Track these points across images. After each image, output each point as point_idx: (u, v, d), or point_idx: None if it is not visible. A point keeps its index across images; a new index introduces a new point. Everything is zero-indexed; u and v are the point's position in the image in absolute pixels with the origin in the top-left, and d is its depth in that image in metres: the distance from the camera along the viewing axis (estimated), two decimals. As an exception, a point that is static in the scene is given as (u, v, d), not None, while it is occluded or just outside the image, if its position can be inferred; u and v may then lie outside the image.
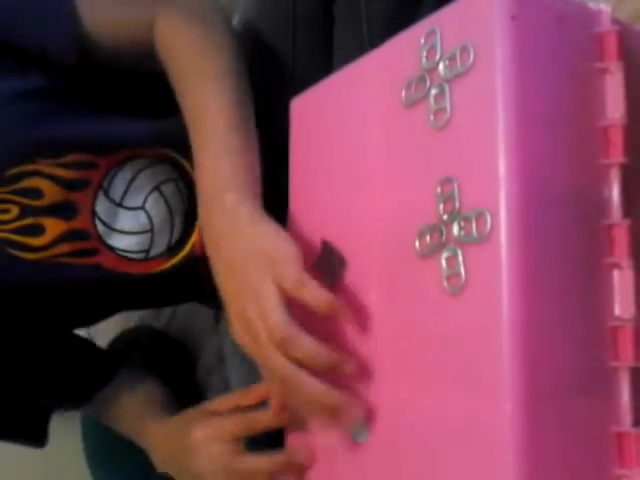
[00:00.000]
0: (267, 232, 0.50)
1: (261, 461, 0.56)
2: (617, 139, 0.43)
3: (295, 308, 0.48)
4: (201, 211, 0.55)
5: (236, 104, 0.57)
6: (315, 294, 0.46)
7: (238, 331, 0.49)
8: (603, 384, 0.41)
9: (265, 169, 0.56)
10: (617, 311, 0.42)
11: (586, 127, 0.43)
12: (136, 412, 0.70)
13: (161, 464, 0.65)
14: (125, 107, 0.69)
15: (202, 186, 0.55)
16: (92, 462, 0.96)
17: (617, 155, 0.42)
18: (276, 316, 0.46)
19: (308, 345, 0.46)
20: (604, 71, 0.44)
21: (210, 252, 0.53)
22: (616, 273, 0.42)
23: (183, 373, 0.94)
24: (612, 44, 0.44)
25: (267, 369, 0.48)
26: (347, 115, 0.53)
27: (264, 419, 0.57)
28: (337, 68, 0.55)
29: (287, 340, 0.45)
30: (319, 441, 0.54)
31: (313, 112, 0.58)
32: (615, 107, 0.43)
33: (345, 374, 0.48)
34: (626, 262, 0.41)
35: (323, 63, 0.69)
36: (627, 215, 0.42)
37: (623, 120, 0.43)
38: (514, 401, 0.37)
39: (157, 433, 0.66)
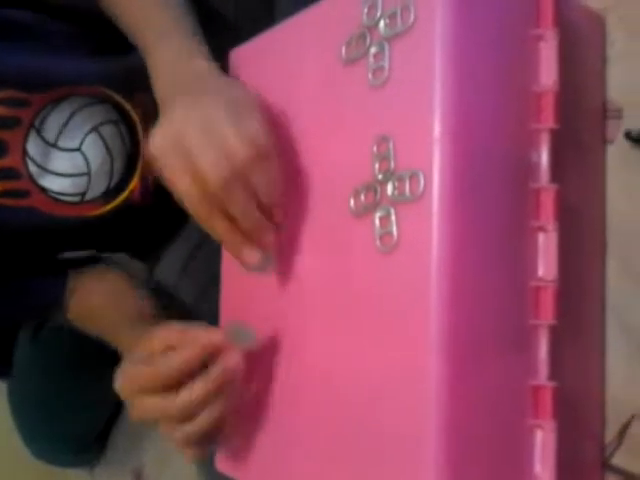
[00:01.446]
0: (236, 85, 0.51)
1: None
2: (549, 105, 0.43)
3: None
4: (163, 82, 0.54)
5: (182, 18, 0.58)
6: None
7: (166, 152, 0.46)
8: (524, 341, 0.42)
9: None
10: (540, 272, 0.43)
11: (520, 92, 0.44)
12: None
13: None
14: (63, 43, 0.66)
15: (164, 59, 0.55)
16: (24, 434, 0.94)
17: (548, 120, 0.43)
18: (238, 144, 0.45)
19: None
20: (539, 37, 0.44)
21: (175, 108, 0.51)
22: (541, 236, 0.43)
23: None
24: (548, 11, 0.44)
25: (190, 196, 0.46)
26: (285, 69, 0.52)
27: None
28: (279, 21, 0.54)
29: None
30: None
31: (252, 64, 0.56)
32: (548, 73, 0.44)
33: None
34: (551, 225, 0.43)
35: (265, 14, 0.68)
36: (555, 180, 0.43)
37: (555, 87, 0.44)
38: (439, 355, 0.39)
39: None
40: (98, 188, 0.67)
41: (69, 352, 0.89)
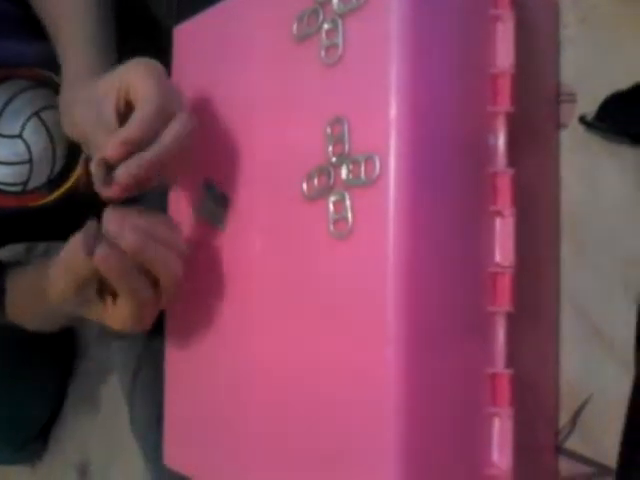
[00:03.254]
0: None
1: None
2: (505, 88, 0.43)
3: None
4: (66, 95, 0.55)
5: (96, 17, 0.58)
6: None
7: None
8: (481, 328, 0.42)
9: None
10: (497, 258, 0.42)
11: (477, 73, 0.43)
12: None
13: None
14: (1, 25, 0.62)
15: (68, 72, 0.57)
16: None
17: (504, 103, 0.43)
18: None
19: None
20: (496, 18, 0.43)
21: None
22: (498, 221, 0.43)
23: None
24: (505, -8, 0.43)
25: None
26: (233, 47, 0.50)
27: None
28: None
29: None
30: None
31: (198, 42, 0.54)
32: (505, 56, 0.43)
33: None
34: (508, 210, 0.42)
35: None
36: (512, 164, 0.43)
37: (512, 69, 0.43)
38: (395, 344, 0.38)
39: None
40: (40, 176, 0.64)
41: (8, 348, 0.86)
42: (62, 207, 0.65)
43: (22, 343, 0.85)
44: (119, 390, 0.79)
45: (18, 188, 0.63)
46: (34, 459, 1.02)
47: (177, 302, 0.55)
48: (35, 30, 0.63)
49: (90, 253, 0.44)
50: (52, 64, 0.62)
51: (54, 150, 0.64)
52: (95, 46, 0.57)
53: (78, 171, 0.65)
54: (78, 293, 0.47)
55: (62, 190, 0.65)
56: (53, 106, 0.63)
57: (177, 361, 0.56)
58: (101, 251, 0.44)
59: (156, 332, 0.60)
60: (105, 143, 0.45)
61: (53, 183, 0.64)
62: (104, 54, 0.57)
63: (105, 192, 0.46)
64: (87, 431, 0.93)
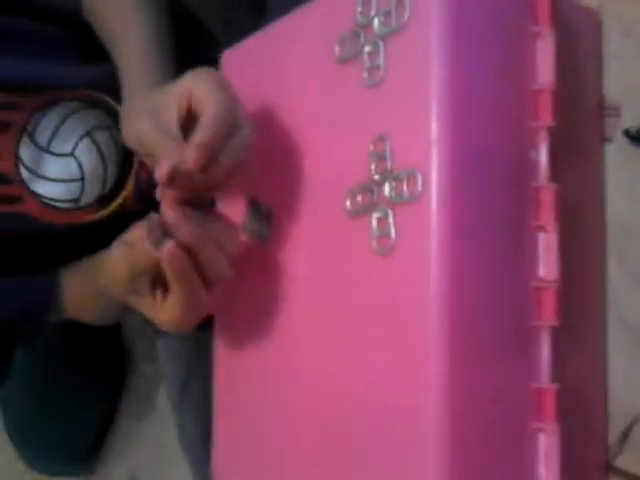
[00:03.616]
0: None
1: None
2: (546, 103, 0.43)
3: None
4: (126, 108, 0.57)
5: (154, 31, 0.60)
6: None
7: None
8: (525, 343, 0.42)
9: None
10: (541, 273, 0.42)
11: (517, 90, 0.43)
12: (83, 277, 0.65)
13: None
14: (48, 48, 0.65)
15: (128, 84, 0.59)
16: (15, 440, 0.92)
17: (546, 119, 0.43)
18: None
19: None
20: (536, 35, 0.44)
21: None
22: (541, 236, 0.43)
23: (107, 333, 0.92)
24: (545, 8, 0.44)
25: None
26: (278, 70, 0.52)
27: None
28: (270, 21, 0.53)
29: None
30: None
31: (244, 66, 0.56)
32: (546, 71, 0.43)
33: None
34: (551, 225, 0.42)
35: (256, 14, 0.67)
36: (554, 179, 0.43)
37: (553, 85, 0.43)
38: (440, 360, 0.38)
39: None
40: (92, 194, 0.66)
41: (61, 361, 0.88)
42: (111, 224, 0.67)
43: (75, 356, 0.87)
44: (168, 405, 0.80)
45: (70, 205, 0.65)
46: (87, 473, 1.04)
47: (225, 316, 0.56)
48: (80, 54, 0.66)
49: (157, 244, 0.45)
50: (101, 85, 0.64)
51: (105, 168, 0.66)
52: (155, 58, 0.59)
53: (127, 189, 0.67)
54: (132, 281, 0.48)
55: (112, 207, 0.66)
56: (104, 126, 0.66)
57: (226, 374, 0.57)
58: (170, 246, 0.44)
59: (204, 346, 0.62)
60: (169, 150, 0.45)
61: (103, 201, 0.66)
62: (164, 66, 0.58)
63: (165, 198, 0.47)
64: (137, 446, 0.95)
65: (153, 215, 0.47)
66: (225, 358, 0.57)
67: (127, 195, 0.67)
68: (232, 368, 0.56)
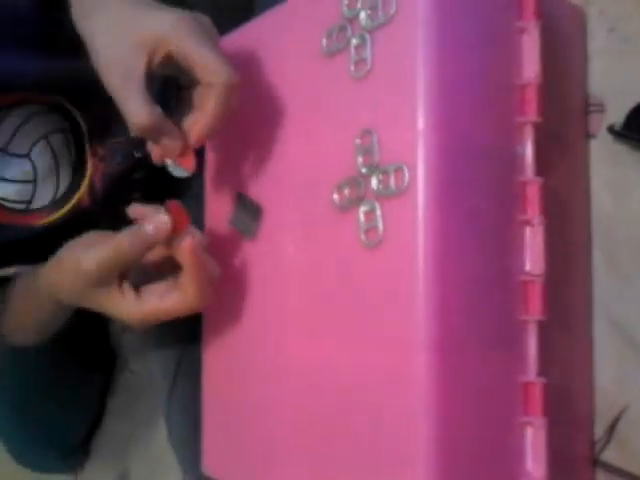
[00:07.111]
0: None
1: None
2: (532, 98, 0.43)
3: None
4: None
5: None
6: None
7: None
8: (512, 336, 0.42)
9: None
10: (528, 267, 0.43)
11: (503, 84, 0.43)
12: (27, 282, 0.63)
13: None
14: (13, 43, 0.64)
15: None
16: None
17: (531, 113, 0.43)
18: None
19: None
20: (522, 30, 0.44)
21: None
22: (528, 230, 0.43)
23: (95, 330, 0.91)
24: (531, 4, 0.44)
25: None
26: (266, 63, 0.51)
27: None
28: (258, 13, 0.53)
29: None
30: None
31: (231, 59, 0.55)
32: (531, 66, 0.44)
33: None
34: (537, 219, 0.42)
35: (244, 6, 0.67)
36: (540, 173, 0.43)
37: (538, 79, 0.43)
38: (427, 352, 0.38)
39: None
40: (44, 197, 0.65)
41: (49, 357, 0.87)
42: (66, 229, 0.66)
43: (61, 355, 0.86)
44: (157, 402, 0.80)
45: (22, 206, 0.64)
46: (77, 468, 1.04)
47: (213, 311, 0.56)
48: (39, 47, 0.64)
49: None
50: (60, 86, 0.63)
51: (58, 172, 0.65)
52: None
53: (82, 191, 0.66)
54: (112, 273, 0.47)
55: (64, 210, 0.66)
56: (59, 129, 0.65)
57: (214, 370, 0.57)
58: (193, 240, 0.46)
59: (193, 342, 0.61)
60: (135, 110, 0.45)
61: (57, 204, 0.65)
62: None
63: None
64: (127, 442, 0.94)
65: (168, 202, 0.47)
66: (213, 355, 0.57)
67: (80, 196, 0.66)
68: (220, 365, 0.56)
